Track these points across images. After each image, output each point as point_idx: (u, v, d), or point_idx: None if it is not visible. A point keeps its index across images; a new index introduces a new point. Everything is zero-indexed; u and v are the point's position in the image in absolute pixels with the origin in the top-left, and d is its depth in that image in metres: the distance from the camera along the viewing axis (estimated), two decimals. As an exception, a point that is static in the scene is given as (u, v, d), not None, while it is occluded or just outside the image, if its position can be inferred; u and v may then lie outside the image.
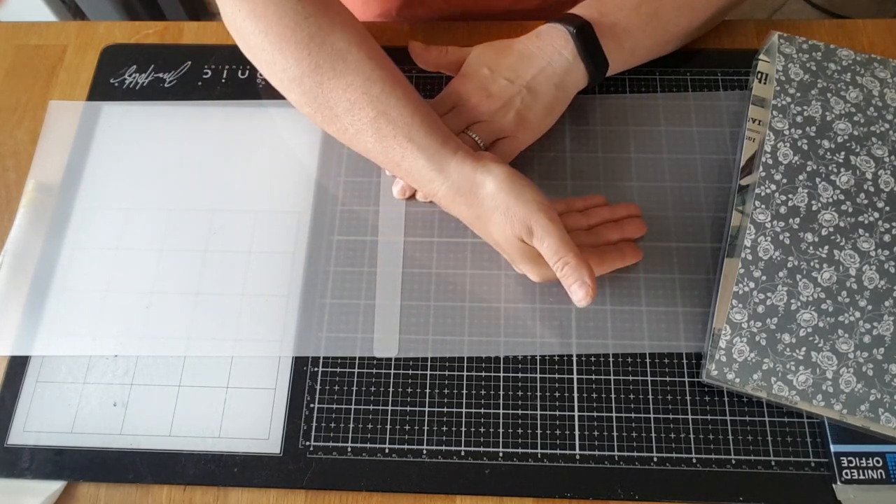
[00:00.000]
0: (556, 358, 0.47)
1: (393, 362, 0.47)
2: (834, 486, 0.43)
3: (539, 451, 0.44)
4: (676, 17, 0.52)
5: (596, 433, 0.45)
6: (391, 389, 0.46)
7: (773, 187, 0.47)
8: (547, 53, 0.50)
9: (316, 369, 0.47)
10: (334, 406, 0.46)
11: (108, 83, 0.58)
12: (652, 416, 0.45)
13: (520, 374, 0.46)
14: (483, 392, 0.46)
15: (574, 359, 0.47)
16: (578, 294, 0.42)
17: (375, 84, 0.45)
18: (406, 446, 0.45)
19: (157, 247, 0.51)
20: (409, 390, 0.46)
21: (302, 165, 0.54)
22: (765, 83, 0.52)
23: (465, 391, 0.46)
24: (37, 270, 0.50)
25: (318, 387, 0.47)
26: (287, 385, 0.47)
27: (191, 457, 0.45)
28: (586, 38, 0.49)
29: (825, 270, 0.45)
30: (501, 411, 0.45)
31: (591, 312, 0.48)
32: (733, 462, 0.44)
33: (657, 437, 0.44)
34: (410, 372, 0.47)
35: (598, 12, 0.50)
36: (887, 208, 0.46)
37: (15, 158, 0.55)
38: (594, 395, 0.46)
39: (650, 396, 0.45)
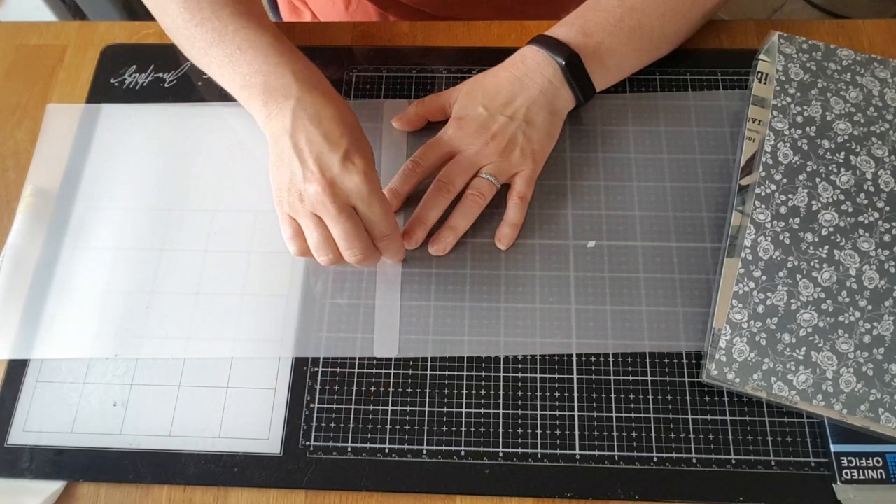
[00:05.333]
0: (556, 358, 0.47)
1: (393, 362, 0.47)
2: (834, 486, 0.43)
3: (539, 451, 0.44)
4: (661, 25, 0.52)
5: (596, 433, 0.45)
6: (391, 389, 0.46)
7: (773, 187, 0.47)
8: (537, 82, 0.50)
9: (316, 369, 0.47)
10: (334, 406, 0.46)
11: (108, 83, 0.58)
12: (652, 416, 0.45)
13: (520, 374, 0.46)
14: (483, 392, 0.46)
15: (574, 359, 0.47)
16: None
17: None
18: (406, 446, 0.45)
19: (157, 247, 0.51)
20: (409, 390, 0.46)
21: (302, 165, 0.54)
22: (765, 83, 0.52)
23: (465, 391, 0.46)
24: (36, 271, 0.50)
25: (318, 387, 0.47)
26: (287, 385, 0.47)
27: (191, 457, 0.45)
28: (574, 69, 0.50)
29: (825, 270, 0.45)
30: (501, 411, 0.45)
31: (591, 312, 0.48)
32: (733, 462, 0.44)
33: (657, 437, 0.44)
34: (410, 372, 0.47)
35: (582, 32, 0.50)
36: (887, 208, 0.46)
37: (15, 158, 0.55)
38: (594, 395, 0.46)
39: (650, 396, 0.45)
